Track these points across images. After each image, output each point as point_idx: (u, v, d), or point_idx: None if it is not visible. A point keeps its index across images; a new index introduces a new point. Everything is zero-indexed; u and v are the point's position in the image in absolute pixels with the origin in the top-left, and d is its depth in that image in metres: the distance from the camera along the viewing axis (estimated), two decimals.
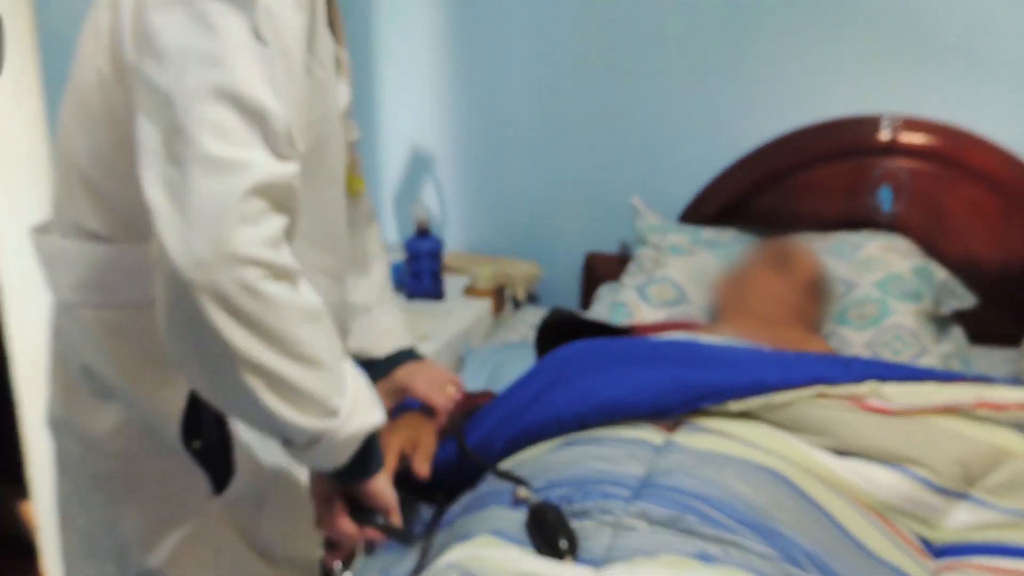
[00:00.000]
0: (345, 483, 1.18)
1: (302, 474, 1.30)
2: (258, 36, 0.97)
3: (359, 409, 1.07)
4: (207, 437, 1.21)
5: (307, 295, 1.00)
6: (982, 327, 2.28)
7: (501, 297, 2.53)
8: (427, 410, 1.54)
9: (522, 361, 2.14)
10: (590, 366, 1.55)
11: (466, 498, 1.51)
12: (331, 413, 1.03)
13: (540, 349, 1.89)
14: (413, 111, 2.66)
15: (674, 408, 1.51)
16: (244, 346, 0.94)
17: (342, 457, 1.09)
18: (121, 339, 1.19)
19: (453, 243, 2.70)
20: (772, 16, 2.35)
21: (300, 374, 0.99)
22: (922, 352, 2.05)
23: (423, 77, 2.63)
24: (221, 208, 0.91)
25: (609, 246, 2.60)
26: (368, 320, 1.51)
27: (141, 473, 1.22)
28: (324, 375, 1.02)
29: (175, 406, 1.19)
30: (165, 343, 0.99)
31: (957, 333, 2.24)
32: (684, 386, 1.50)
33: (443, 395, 1.52)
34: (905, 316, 2.10)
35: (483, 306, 2.44)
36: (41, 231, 1.22)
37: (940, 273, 2.22)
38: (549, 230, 2.64)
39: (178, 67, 0.95)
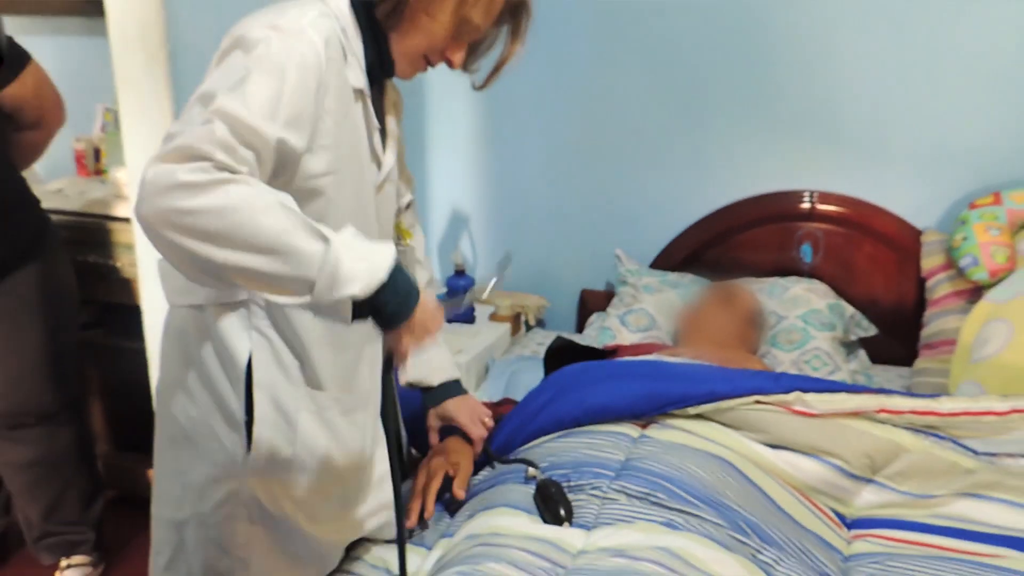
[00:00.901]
0: (387, 329, 1.04)
1: (329, 449, 1.21)
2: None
3: (339, 280, 0.95)
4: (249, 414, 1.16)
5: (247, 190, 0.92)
6: (881, 350, 2.24)
7: (517, 322, 2.51)
8: (467, 436, 1.51)
9: (532, 371, 2.12)
10: (584, 382, 1.53)
11: (489, 475, 1.49)
12: (307, 288, 0.94)
13: (547, 367, 1.87)
14: (454, 181, 2.65)
15: (647, 411, 1.49)
16: (206, 255, 0.90)
17: (346, 314, 0.99)
18: (200, 333, 1.16)
19: (482, 280, 2.67)
20: (721, 115, 2.33)
21: (261, 263, 0.92)
22: (835, 369, 2.02)
23: (462, 156, 2.62)
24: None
25: (598, 284, 2.57)
26: (424, 356, 1.48)
27: (203, 437, 1.19)
28: (284, 259, 0.93)
29: (238, 387, 1.15)
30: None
31: (862, 355, 2.21)
32: (655, 395, 1.48)
33: (479, 427, 1.49)
34: (823, 341, 2.06)
35: (504, 328, 2.42)
36: None
37: (849, 309, 2.18)
38: (554, 271, 2.61)
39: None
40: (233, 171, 0.93)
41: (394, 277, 0.99)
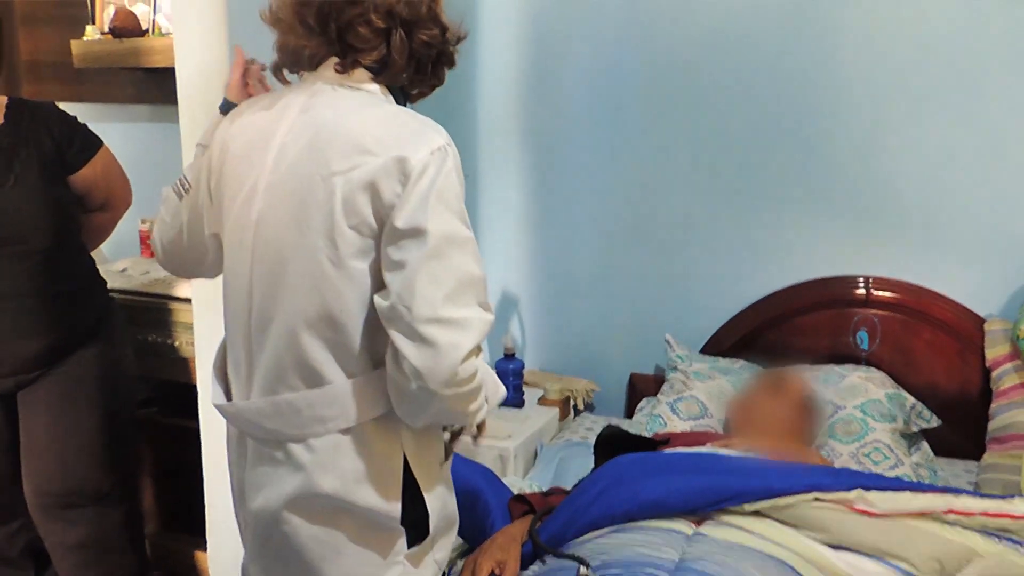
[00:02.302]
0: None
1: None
2: None
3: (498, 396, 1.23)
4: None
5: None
6: (944, 442, 2.16)
7: (567, 406, 2.47)
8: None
9: (581, 457, 2.08)
10: (636, 474, 1.50)
11: (539, 570, 1.45)
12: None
13: (597, 455, 1.83)
14: (504, 266, 2.67)
15: (701, 507, 1.45)
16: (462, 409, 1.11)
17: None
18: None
19: (531, 363, 2.66)
20: (771, 199, 2.32)
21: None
22: (897, 463, 1.93)
23: (513, 240, 2.64)
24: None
25: (648, 369, 2.54)
26: None
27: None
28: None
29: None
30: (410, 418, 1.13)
31: (925, 447, 2.12)
32: (709, 490, 1.44)
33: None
34: (883, 433, 1.99)
35: (552, 412, 2.39)
36: None
37: (909, 399, 2.11)
38: (603, 355, 2.59)
39: None
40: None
41: None
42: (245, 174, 1.16)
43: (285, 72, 1.22)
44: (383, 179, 1.06)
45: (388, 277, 1.06)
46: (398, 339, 1.05)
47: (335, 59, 1.15)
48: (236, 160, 1.18)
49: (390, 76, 1.17)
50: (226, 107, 1.29)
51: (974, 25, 2.08)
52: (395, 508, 1.16)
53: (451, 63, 1.23)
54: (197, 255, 1.31)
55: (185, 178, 1.29)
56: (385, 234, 1.07)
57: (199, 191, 1.26)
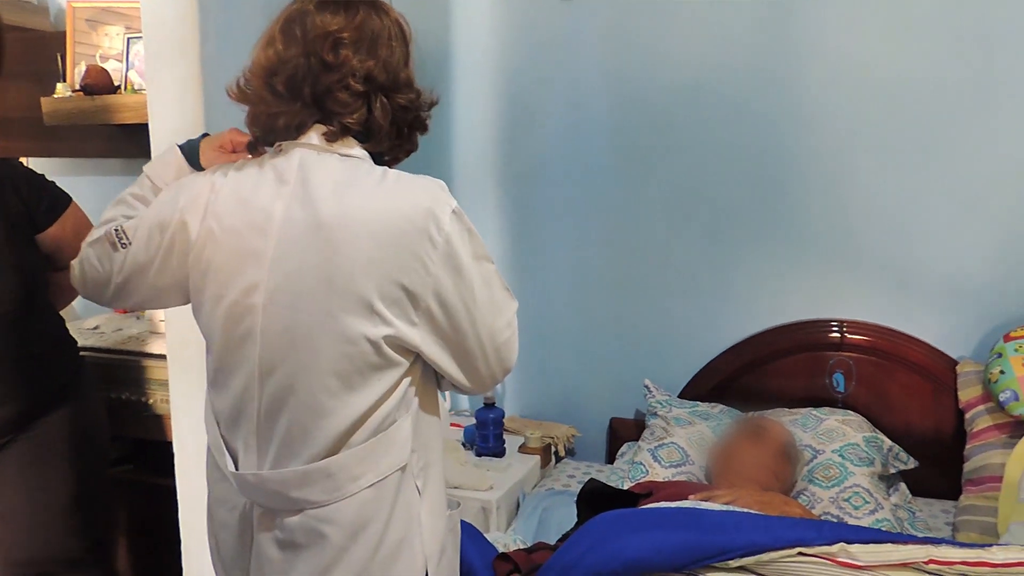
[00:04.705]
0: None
1: None
2: None
3: None
4: None
5: None
6: (921, 482, 2.18)
7: (548, 453, 2.47)
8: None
9: (564, 507, 2.08)
10: (620, 531, 1.49)
11: None
12: None
13: (579, 510, 1.82)
14: None
15: (686, 564, 1.44)
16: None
17: None
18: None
19: (511, 410, 2.66)
20: (746, 245, 2.36)
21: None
22: (877, 507, 1.95)
23: None
24: None
25: (628, 413, 2.54)
26: None
27: None
28: None
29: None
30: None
31: (903, 488, 2.14)
32: (693, 547, 1.43)
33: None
34: (861, 477, 2.00)
35: (534, 460, 2.38)
36: None
37: (887, 442, 2.13)
38: (582, 401, 2.59)
39: None
40: None
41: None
42: (241, 258, 1.14)
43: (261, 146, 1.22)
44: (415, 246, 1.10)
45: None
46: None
47: (320, 125, 1.16)
48: (227, 240, 1.15)
49: (376, 142, 1.18)
50: (188, 149, 1.27)
51: (938, 73, 2.13)
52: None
53: (423, 128, 1.24)
54: (119, 295, 1.28)
55: (123, 231, 1.24)
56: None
57: (162, 258, 1.21)
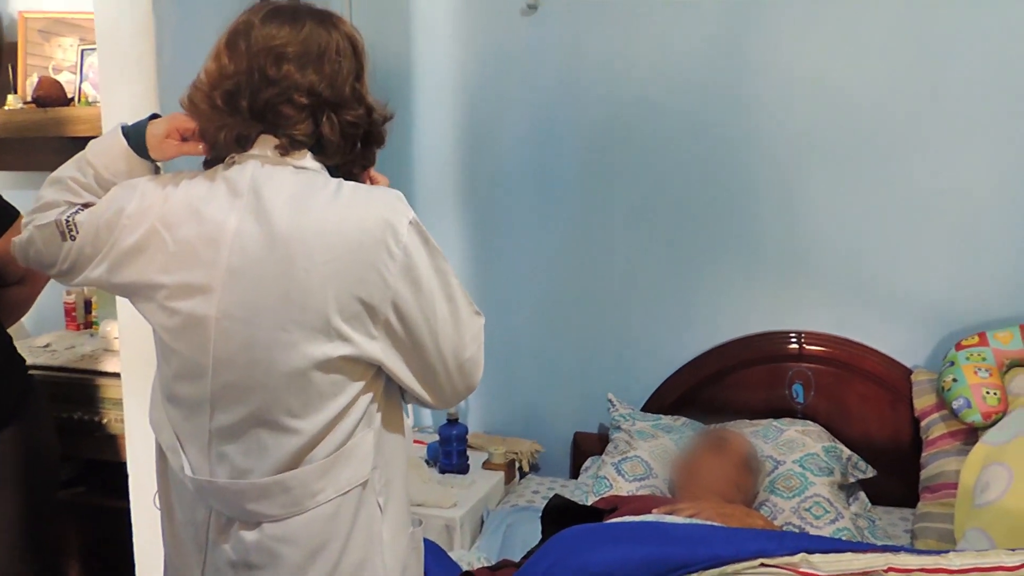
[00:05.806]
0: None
1: None
2: None
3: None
4: None
5: None
6: (880, 490, 2.21)
7: (512, 469, 2.45)
8: None
9: (528, 523, 2.06)
10: (584, 546, 1.48)
11: None
12: None
13: (544, 527, 1.81)
14: None
15: None
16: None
17: None
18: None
19: (474, 426, 2.64)
20: (706, 260, 2.38)
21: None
22: (838, 516, 1.96)
23: None
24: None
25: (591, 427, 2.54)
26: None
27: None
28: None
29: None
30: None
31: (862, 496, 2.17)
32: (657, 560, 1.43)
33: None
34: (822, 487, 2.02)
35: (498, 476, 2.37)
36: None
37: (846, 452, 2.15)
38: (546, 415, 2.58)
39: None
40: None
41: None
42: (191, 267, 1.11)
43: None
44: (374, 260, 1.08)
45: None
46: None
47: (270, 138, 1.14)
48: (178, 248, 1.12)
49: (328, 155, 1.17)
50: (134, 133, 1.22)
51: (891, 89, 2.18)
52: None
53: (380, 142, 1.23)
54: (62, 277, 1.24)
55: (74, 223, 1.19)
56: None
57: (110, 258, 1.17)
